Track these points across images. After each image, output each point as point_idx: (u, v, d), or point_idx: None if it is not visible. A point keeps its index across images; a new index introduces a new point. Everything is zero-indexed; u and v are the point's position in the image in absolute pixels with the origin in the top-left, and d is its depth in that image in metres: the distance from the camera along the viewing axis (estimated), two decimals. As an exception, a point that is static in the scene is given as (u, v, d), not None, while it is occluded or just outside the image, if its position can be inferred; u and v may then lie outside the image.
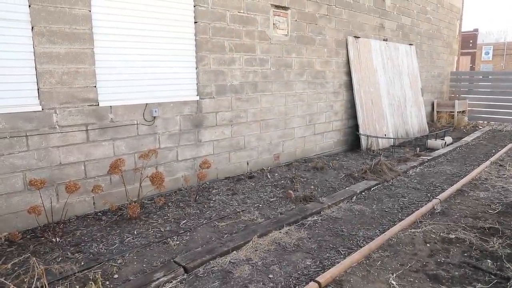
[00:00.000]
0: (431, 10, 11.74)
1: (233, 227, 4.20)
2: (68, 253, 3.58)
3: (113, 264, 3.38)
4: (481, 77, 14.72)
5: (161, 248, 3.70)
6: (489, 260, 3.39)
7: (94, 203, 4.61)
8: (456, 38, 14.09)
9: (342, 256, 3.54)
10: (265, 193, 5.37)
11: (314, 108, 7.68)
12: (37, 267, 2.86)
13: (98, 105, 4.53)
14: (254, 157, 6.59)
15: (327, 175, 6.32)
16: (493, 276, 3.15)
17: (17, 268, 3.26)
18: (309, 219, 4.45)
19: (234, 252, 3.60)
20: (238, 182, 5.89)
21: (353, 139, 8.75)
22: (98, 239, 3.88)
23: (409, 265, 3.36)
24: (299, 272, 3.26)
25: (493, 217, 4.46)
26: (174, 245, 3.76)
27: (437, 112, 12.73)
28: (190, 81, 5.53)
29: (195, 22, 5.44)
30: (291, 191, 5.20)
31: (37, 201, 4.04)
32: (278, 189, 5.56)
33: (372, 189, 5.64)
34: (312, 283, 2.98)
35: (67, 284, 3.04)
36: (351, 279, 3.13)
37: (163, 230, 4.12)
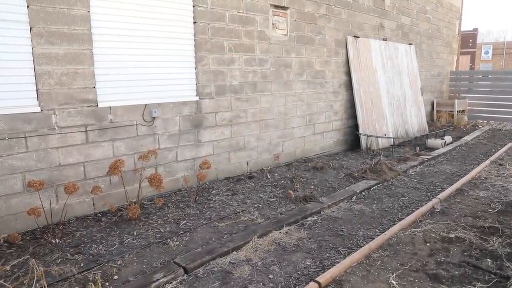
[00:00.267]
0: (431, 10, 11.74)
1: (233, 228, 4.19)
2: (68, 254, 3.58)
3: (113, 265, 3.38)
4: (481, 76, 14.72)
5: (161, 249, 3.70)
6: (489, 259, 3.39)
7: (93, 204, 4.60)
8: (456, 38, 14.09)
9: (342, 256, 3.54)
10: (265, 193, 5.36)
11: (313, 108, 7.67)
12: (36, 268, 2.85)
13: (97, 106, 4.53)
14: (254, 157, 6.58)
15: (327, 175, 6.31)
16: (493, 275, 3.15)
17: (16, 269, 3.25)
18: (309, 219, 4.45)
19: (234, 252, 3.59)
20: (238, 182, 5.88)
21: (353, 139, 8.75)
22: (98, 240, 3.88)
23: (409, 264, 3.36)
24: (299, 272, 3.26)
25: (493, 216, 4.46)
26: (174, 245, 3.75)
27: (437, 111, 12.73)
28: (189, 81, 5.53)
29: (194, 22, 5.44)
30: (291, 191, 5.19)
31: (36, 202, 4.04)
32: (278, 189, 5.55)
33: (372, 188, 5.64)
34: (312, 283, 2.98)
35: (66, 286, 3.04)
36: (351, 279, 3.12)
37: (163, 231, 4.11)
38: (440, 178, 6.18)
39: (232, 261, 3.42)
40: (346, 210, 4.77)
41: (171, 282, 3.09)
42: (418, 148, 8.37)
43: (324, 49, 7.72)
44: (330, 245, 3.79)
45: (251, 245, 3.71)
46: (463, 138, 9.82)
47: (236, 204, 4.95)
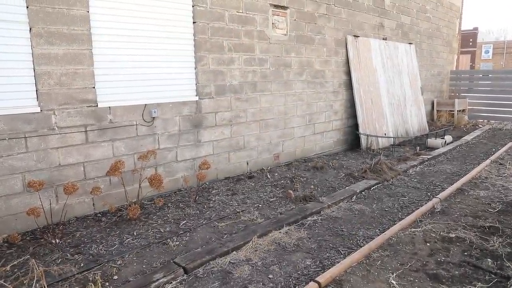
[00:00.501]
0: (431, 9, 11.73)
1: (233, 228, 4.19)
2: (68, 254, 3.58)
3: (113, 265, 3.38)
4: (481, 75, 14.70)
5: (161, 249, 3.70)
6: (489, 259, 3.38)
7: (93, 204, 4.60)
8: (456, 37, 14.07)
9: (342, 255, 3.54)
10: (265, 193, 5.36)
11: (313, 108, 7.67)
12: (36, 269, 2.85)
13: (97, 106, 4.53)
14: (254, 157, 6.58)
15: (327, 175, 6.31)
16: (493, 275, 3.15)
17: (16, 270, 3.25)
18: (309, 219, 4.44)
19: (234, 252, 3.59)
20: (238, 182, 5.88)
21: (353, 139, 8.74)
22: (98, 240, 3.88)
23: (409, 264, 3.35)
24: (299, 272, 3.25)
25: (493, 216, 4.45)
26: (174, 245, 3.75)
27: (437, 111, 12.72)
28: (189, 81, 5.52)
29: (193, 22, 5.43)
30: (291, 191, 5.19)
31: (36, 202, 4.04)
32: (278, 189, 5.55)
33: (372, 188, 5.64)
34: (312, 283, 2.98)
35: (66, 286, 3.04)
36: (351, 279, 3.12)
37: (162, 231, 4.11)
38: (440, 178, 6.17)
39: (232, 261, 3.42)
40: (346, 210, 4.76)
41: (171, 282, 3.09)
42: (418, 147, 8.37)
43: (324, 48, 7.71)
44: (330, 245, 3.79)
45: (251, 245, 3.71)
46: (463, 138, 9.81)
47: (236, 204, 4.94)
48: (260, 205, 4.89)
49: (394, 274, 3.18)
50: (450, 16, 13.17)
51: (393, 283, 3.04)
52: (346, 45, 8.26)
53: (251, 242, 3.74)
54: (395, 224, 4.20)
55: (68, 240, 3.87)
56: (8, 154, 3.92)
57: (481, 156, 7.82)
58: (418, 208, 4.67)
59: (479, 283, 3.03)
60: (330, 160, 7.29)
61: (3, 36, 3.82)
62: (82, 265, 3.37)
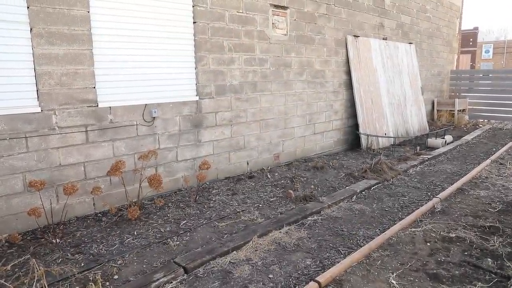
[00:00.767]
0: (431, 9, 11.73)
1: (233, 227, 4.19)
2: (68, 254, 3.58)
3: (113, 265, 3.38)
4: (481, 75, 14.70)
5: (161, 249, 3.70)
6: (489, 259, 3.39)
7: (94, 204, 4.61)
8: (456, 37, 14.07)
9: (342, 255, 3.54)
10: (265, 193, 5.36)
11: (314, 108, 7.67)
12: (37, 268, 2.86)
13: (97, 106, 4.53)
14: (254, 157, 6.58)
15: (327, 175, 6.31)
16: (493, 275, 3.15)
17: (17, 269, 3.26)
18: (309, 218, 4.45)
19: (234, 252, 3.59)
20: (238, 182, 5.88)
21: (353, 138, 8.74)
22: (98, 240, 3.88)
23: (409, 264, 3.35)
24: (299, 272, 3.26)
25: (494, 216, 4.45)
26: (174, 245, 3.76)
27: (437, 110, 12.71)
28: (189, 81, 5.53)
29: (194, 22, 5.44)
30: (291, 191, 5.19)
31: (37, 202, 4.04)
32: (278, 188, 5.55)
33: (372, 188, 5.64)
34: (312, 283, 2.98)
35: (67, 285, 3.05)
36: (351, 279, 3.12)
37: (163, 231, 4.12)
38: (440, 178, 6.17)
39: (232, 261, 3.43)
40: (346, 209, 4.77)
41: (171, 282, 3.09)
42: (419, 147, 8.37)
43: (324, 48, 7.71)
44: (330, 244, 3.79)
45: (251, 245, 3.71)
46: (463, 138, 9.81)
47: (236, 203, 4.95)
48: (260, 205, 4.90)
49: (394, 274, 3.18)
50: (450, 15, 13.17)
51: (393, 283, 3.04)
52: (346, 45, 8.26)
53: (251, 242, 3.75)
54: (395, 224, 4.20)
55: (69, 240, 3.88)
56: (8, 154, 3.92)
57: (481, 156, 7.81)
58: (418, 208, 4.67)
59: (479, 283, 3.03)
60: (330, 160, 7.29)
61: (4, 36, 3.82)
62: (82, 264, 3.38)
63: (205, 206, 4.84)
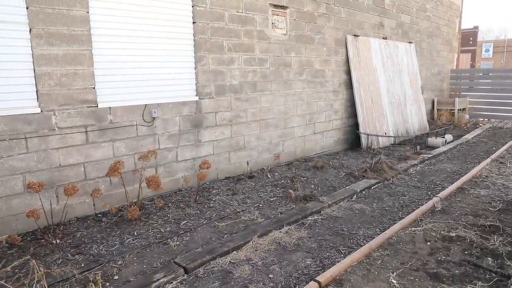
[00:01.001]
0: (431, 8, 11.72)
1: (233, 227, 4.19)
2: (68, 255, 3.58)
3: (113, 265, 3.38)
4: (482, 74, 14.70)
5: (161, 249, 3.70)
6: (489, 258, 3.39)
7: (94, 204, 4.61)
8: (456, 36, 14.06)
9: (342, 255, 3.54)
10: (265, 193, 5.36)
11: (314, 107, 7.67)
12: (37, 269, 2.85)
13: (97, 106, 4.53)
14: (254, 156, 6.58)
15: (327, 174, 6.31)
16: (493, 274, 3.14)
17: (17, 270, 3.26)
18: (309, 218, 4.45)
19: (234, 252, 3.59)
20: (238, 182, 5.88)
21: (353, 138, 8.74)
22: (98, 241, 3.88)
23: (410, 263, 3.35)
24: (299, 272, 3.26)
25: (494, 215, 4.45)
26: (174, 245, 3.75)
27: (438, 110, 12.71)
28: (189, 81, 5.53)
29: (193, 22, 5.44)
30: (291, 191, 5.19)
31: (37, 203, 4.04)
32: (278, 188, 5.55)
33: (373, 187, 5.63)
34: (312, 283, 2.98)
35: (67, 286, 3.05)
36: (352, 278, 3.12)
37: (163, 231, 4.12)
38: (440, 177, 6.17)
39: (232, 261, 3.43)
40: (346, 209, 4.77)
41: (172, 282, 3.09)
42: (419, 146, 8.37)
43: (324, 48, 7.71)
44: (331, 244, 3.79)
45: (251, 245, 3.71)
46: (463, 137, 9.81)
47: (236, 203, 4.95)
48: (260, 205, 4.89)
49: (395, 273, 3.18)
50: (450, 15, 13.16)
51: (393, 282, 3.04)
52: (346, 44, 8.26)
53: (251, 242, 3.75)
54: (395, 223, 4.20)
55: (69, 241, 3.88)
56: (8, 154, 3.92)
57: (481, 155, 7.81)
58: (419, 207, 4.67)
59: (480, 282, 3.03)
60: (331, 159, 7.29)
61: (3, 37, 3.82)
62: (82, 265, 3.38)
63: (205, 206, 4.84)
